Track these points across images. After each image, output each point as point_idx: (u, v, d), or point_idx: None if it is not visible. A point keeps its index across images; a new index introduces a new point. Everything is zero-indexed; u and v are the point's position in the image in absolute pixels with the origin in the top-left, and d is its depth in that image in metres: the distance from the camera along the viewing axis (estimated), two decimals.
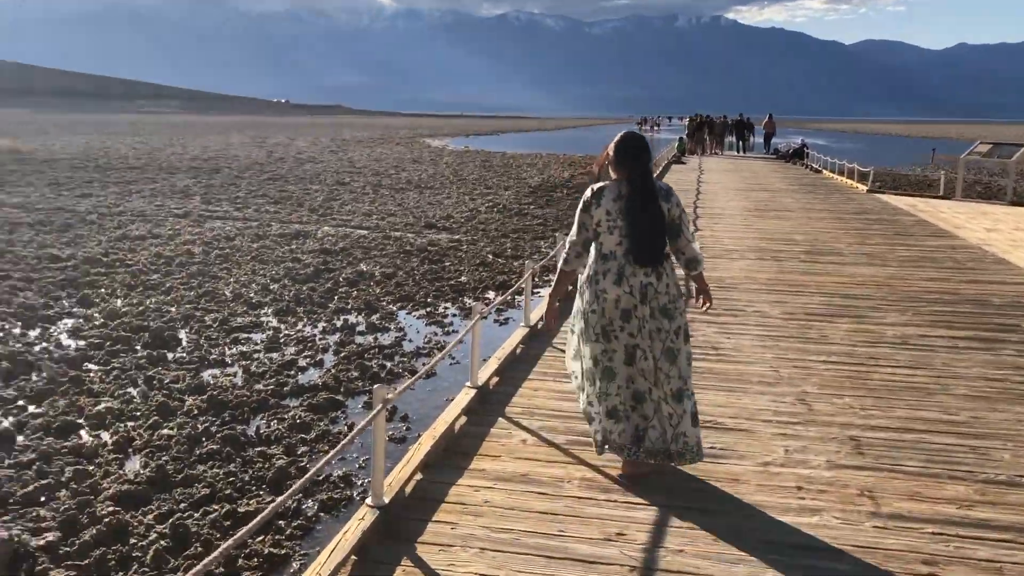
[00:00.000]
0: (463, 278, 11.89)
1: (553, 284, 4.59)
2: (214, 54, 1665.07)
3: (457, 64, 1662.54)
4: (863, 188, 22.15)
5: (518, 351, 6.81)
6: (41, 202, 18.97)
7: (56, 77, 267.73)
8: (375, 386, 3.92)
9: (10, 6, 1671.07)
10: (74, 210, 17.81)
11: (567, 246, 4.22)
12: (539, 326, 7.17)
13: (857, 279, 10.01)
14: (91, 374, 7.27)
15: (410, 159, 38.70)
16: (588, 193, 4.09)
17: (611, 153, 4.12)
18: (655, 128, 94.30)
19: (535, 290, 10.49)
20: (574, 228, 4.16)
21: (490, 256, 13.56)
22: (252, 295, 10.35)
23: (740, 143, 41.54)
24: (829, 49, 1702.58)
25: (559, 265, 4.39)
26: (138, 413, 6.32)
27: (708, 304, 4.48)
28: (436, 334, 9.11)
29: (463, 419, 5.22)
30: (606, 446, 4.22)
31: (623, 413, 4.11)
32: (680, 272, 4.36)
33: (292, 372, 7.47)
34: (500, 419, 5.28)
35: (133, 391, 6.84)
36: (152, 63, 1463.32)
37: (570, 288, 4.75)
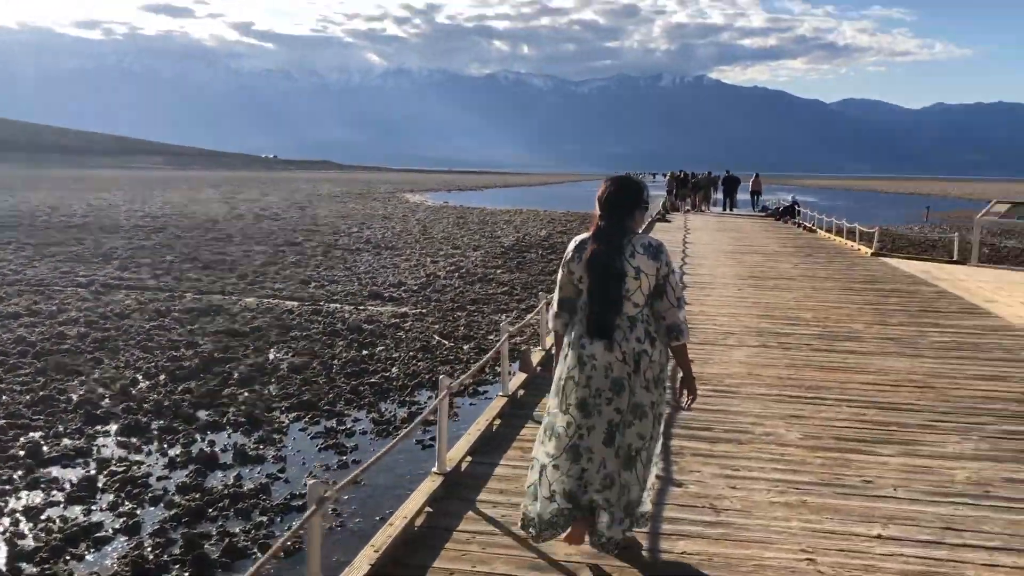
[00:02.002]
0: (393, 371, 9.48)
1: (554, 346, 4.03)
2: (205, 111, 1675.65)
3: (447, 121, 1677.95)
4: (867, 251, 20.02)
5: (495, 427, 5.94)
6: None
7: (45, 133, 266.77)
8: (311, 482, 3.29)
9: (2, 62, 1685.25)
10: None
11: (552, 305, 3.91)
12: (519, 395, 6.53)
13: (889, 377, 7.71)
14: None
15: (380, 215, 36.56)
16: (571, 245, 3.74)
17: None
18: None
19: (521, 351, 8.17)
20: (556, 285, 3.84)
21: (435, 338, 11.18)
22: (104, 402, 7.90)
23: (727, 200, 39.87)
24: (811, 107, 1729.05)
25: (550, 325, 4.07)
26: None
27: (692, 398, 3.89)
28: (330, 465, 6.68)
29: (427, 512, 4.47)
30: (543, 531, 3.78)
31: (585, 497, 3.66)
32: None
33: (79, 549, 5.00)
34: (470, 512, 4.50)
35: None
36: (144, 120, 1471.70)
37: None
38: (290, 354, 10.05)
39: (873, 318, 10.85)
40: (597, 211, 3.71)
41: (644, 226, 20.27)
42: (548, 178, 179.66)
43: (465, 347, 10.61)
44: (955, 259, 18.51)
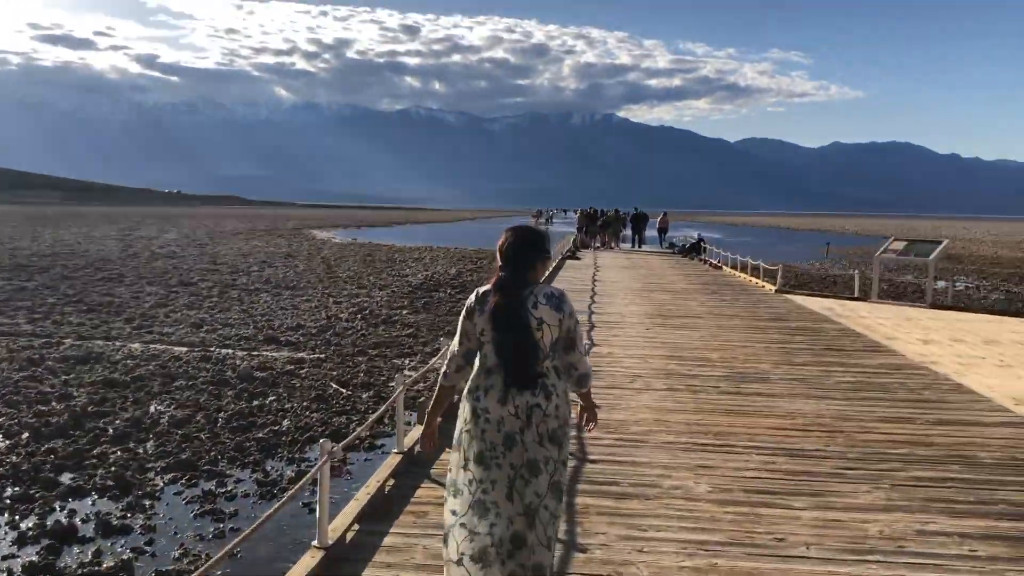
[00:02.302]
0: (284, 423, 8.86)
1: (432, 400, 3.93)
2: (106, 145, 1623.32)
3: (358, 156, 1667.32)
4: (771, 288, 20.29)
5: (388, 488, 5.48)
6: None
7: None
8: None
9: None
10: None
11: (448, 357, 3.68)
12: (416, 451, 6.07)
13: (797, 421, 7.55)
14: None
15: (284, 253, 35.55)
16: (472, 297, 3.59)
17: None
18: (549, 221, 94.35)
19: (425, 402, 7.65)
20: (456, 336, 3.64)
21: (332, 386, 10.58)
22: None
23: (636, 237, 40.39)
24: (715, 146, 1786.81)
25: (439, 378, 3.80)
26: None
27: (592, 424, 3.94)
28: (205, 535, 6.06)
29: None
30: None
31: (495, 557, 3.40)
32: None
33: None
34: None
35: None
36: (40, 154, 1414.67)
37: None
38: (173, 406, 9.32)
39: (780, 358, 10.79)
40: (499, 261, 3.60)
41: (552, 267, 19.98)
42: (460, 214, 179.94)
43: (364, 395, 10.05)
44: (856, 296, 18.89)
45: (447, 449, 4.30)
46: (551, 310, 3.48)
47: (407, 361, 12.19)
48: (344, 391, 10.20)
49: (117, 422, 8.56)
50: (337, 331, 14.65)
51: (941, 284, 17.98)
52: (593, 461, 6.15)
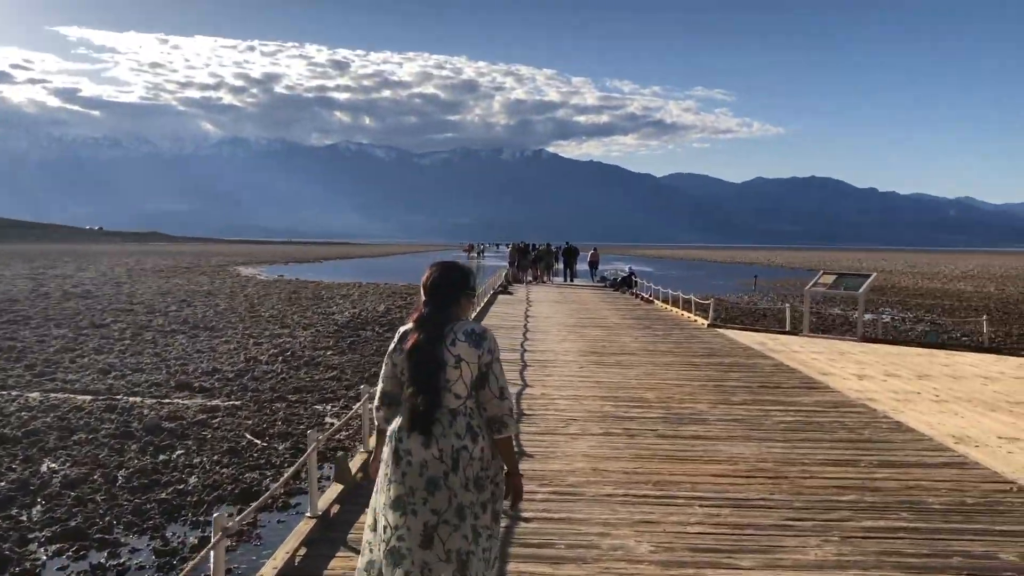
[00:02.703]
0: (191, 481, 8.12)
1: (375, 433, 3.70)
2: (24, 180, 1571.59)
3: (287, 191, 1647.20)
4: (703, 322, 20.19)
5: (298, 560, 4.99)
6: None
7: None
8: None
9: None
10: None
11: (376, 398, 3.52)
12: (332, 514, 5.74)
13: (739, 467, 7.20)
14: None
15: (205, 291, 34.30)
16: (397, 335, 3.48)
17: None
18: (480, 255, 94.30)
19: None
20: (381, 375, 3.51)
21: (247, 437, 9.85)
22: None
23: (568, 271, 40.36)
24: (642, 181, 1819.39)
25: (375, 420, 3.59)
26: None
27: (517, 500, 3.51)
28: None
29: None
30: None
31: None
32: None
33: None
34: None
35: None
36: None
37: None
38: (68, 464, 8.50)
39: (716, 396, 10.50)
40: (422, 297, 3.51)
41: (483, 302, 19.46)
42: (391, 249, 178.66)
43: (280, 447, 9.36)
44: (788, 329, 18.89)
45: (365, 510, 3.86)
46: (470, 347, 3.35)
47: (328, 407, 11.53)
48: (259, 442, 9.48)
49: (1, 484, 7.72)
50: (256, 375, 13.86)
51: (868, 317, 18.09)
52: (526, 520, 5.67)
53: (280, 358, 15.59)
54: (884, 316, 27.05)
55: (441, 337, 3.33)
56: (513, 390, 10.74)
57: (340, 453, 8.09)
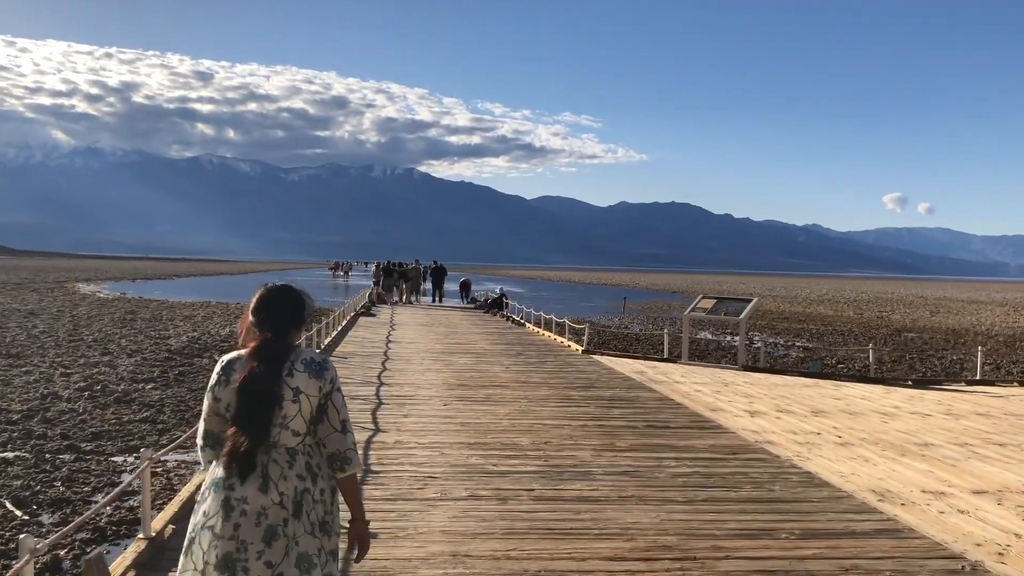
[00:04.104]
0: None
1: None
2: None
3: (146, 205, 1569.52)
4: (577, 348, 18.87)
5: None
6: None
7: None
8: None
9: None
10: None
11: (199, 441, 3.05)
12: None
13: (638, 544, 5.70)
14: None
15: (27, 311, 30.53)
16: (218, 366, 3.05)
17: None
18: (347, 273, 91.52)
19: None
20: (203, 411, 3.07)
21: (5, 506, 7.56)
22: None
23: (436, 292, 38.75)
24: (512, 202, 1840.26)
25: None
26: None
27: (362, 552, 3.16)
28: None
29: None
30: None
31: None
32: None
33: None
34: None
35: None
36: None
37: None
38: None
39: (600, 440, 9.01)
40: (250, 321, 3.09)
41: (338, 331, 17.30)
42: (252, 266, 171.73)
43: (46, 519, 7.16)
44: (666, 356, 17.81)
45: None
46: (309, 378, 3.02)
47: (127, 460, 9.33)
48: (19, 513, 7.24)
49: None
50: (49, 415, 11.38)
51: (741, 343, 17.21)
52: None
53: (87, 393, 13.05)
54: (755, 342, 26.66)
55: (279, 368, 2.98)
56: (362, 437, 8.92)
57: (91, 553, 5.54)
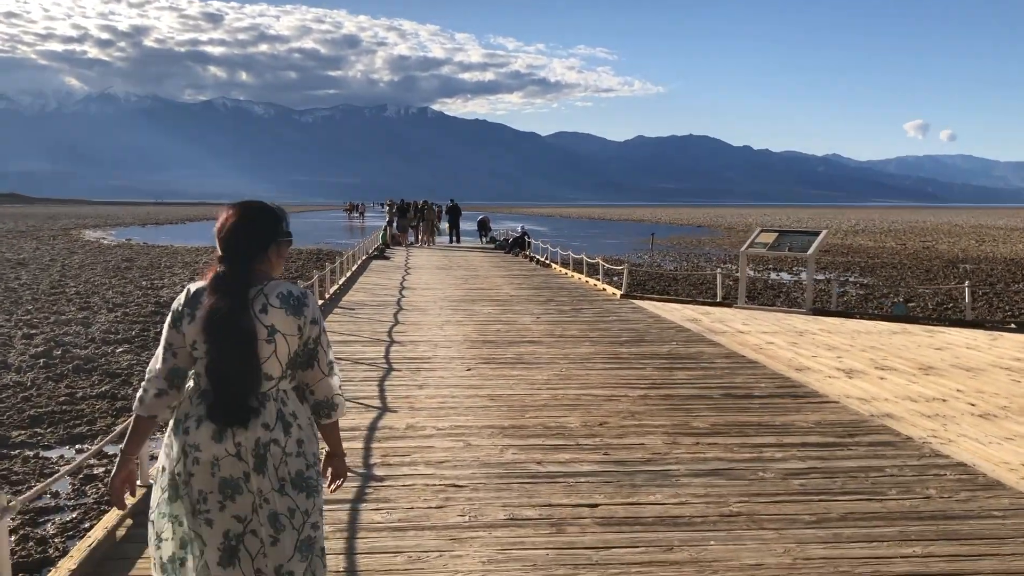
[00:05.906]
0: None
1: (127, 436, 2.68)
2: None
3: (161, 150, 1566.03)
4: (614, 291, 16.72)
5: None
6: None
7: None
8: None
9: None
10: None
11: (147, 376, 2.61)
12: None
13: None
14: None
15: (17, 260, 28.68)
16: (181, 296, 2.62)
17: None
18: (362, 215, 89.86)
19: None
20: (158, 350, 2.62)
21: None
22: None
23: (453, 232, 36.65)
24: (527, 139, 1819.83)
25: (134, 406, 2.64)
26: None
27: (339, 482, 2.83)
28: None
29: None
30: None
31: None
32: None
33: None
34: None
35: None
36: None
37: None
38: None
39: (670, 419, 6.93)
40: (217, 250, 2.61)
41: (348, 276, 14.89)
42: None
43: None
44: (719, 300, 15.63)
45: None
46: (287, 315, 2.55)
47: (73, 450, 7.36)
48: None
49: None
50: (4, 384, 9.44)
51: (810, 282, 15.00)
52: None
53: (43, 360, 11.01)
54: (828, 280, 24.37)
55: (247, 301, 2.50)
56: (364, 420, 6.91)
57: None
